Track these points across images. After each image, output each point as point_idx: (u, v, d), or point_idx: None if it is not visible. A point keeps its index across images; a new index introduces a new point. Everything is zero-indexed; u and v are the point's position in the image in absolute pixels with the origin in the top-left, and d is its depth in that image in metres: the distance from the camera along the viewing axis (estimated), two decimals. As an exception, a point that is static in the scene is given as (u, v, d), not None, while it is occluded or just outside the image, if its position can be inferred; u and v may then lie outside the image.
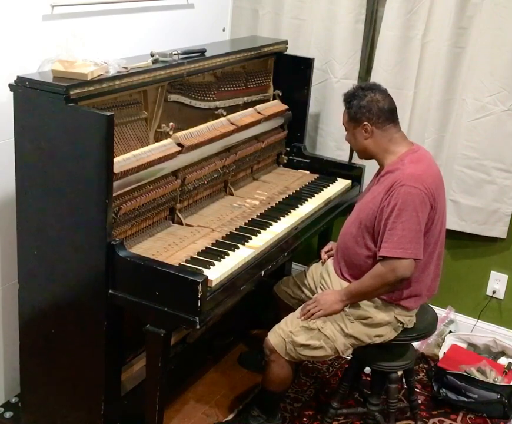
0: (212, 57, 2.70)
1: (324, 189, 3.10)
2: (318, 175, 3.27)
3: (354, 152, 3.05)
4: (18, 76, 2.07)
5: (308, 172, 3.31)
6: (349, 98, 2.53)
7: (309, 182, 3.17)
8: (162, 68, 2.40)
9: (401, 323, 2.50)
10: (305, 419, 2.85)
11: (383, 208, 2.38)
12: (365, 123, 2.47)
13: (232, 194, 2.95)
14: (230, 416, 2.82)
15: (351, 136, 2.57)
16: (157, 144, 2.45)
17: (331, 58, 3.38)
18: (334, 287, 2.57)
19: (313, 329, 2.48)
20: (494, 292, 3.36)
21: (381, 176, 2.51)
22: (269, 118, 3.13)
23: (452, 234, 3.32)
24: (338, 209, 3.04)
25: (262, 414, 2.70)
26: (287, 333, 2.50)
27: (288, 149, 3.38)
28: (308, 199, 2.96)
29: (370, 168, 2.87)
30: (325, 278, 2.65)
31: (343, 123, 2.60)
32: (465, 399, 2.96)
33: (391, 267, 2.35)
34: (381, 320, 2.47)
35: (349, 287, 2.51)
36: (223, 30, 3.44)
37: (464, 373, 2.98)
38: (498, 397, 2.92)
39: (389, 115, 2.49)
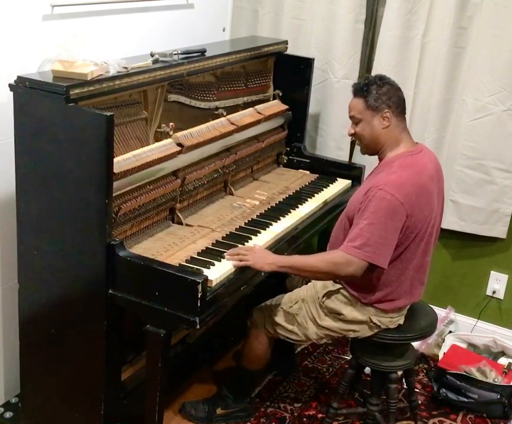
0: (212, 57, 2.70)
1: (324, 189, 3.10)
2: (318, 175, 3.27)
3: (354, 152, 3.04)
4: (18, 76, 2.08)
5: (308, 172, 3.32)
6: (366, 86, 2.44)
7: (309, 182, 3.17)
8: (162, 68, 2.40)
9: (375, 324, 2.47)
10: (305, 419, 2.85)
11: (359, 208, 2.35)
12: (387, 110, 2.41)
13: (232, 194, 2.95)
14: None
15: (366, 126, 2.44)
16: (157, 144, 2.45)
17: (331, 58, 3.38)
18: None
19: (289, 313, 2.56)
20: (494, 292, 3.36)
21: (375, 169, 2.50)
22: (269, 118, 3.14)
23: (452, 234, 3.32)
24: (338, 209, 3.02)
25: (230, 395, 2.74)
26: (269, 311, 2.60)
27: (288, 149, 3.38)
28: (308, 199, 2.96)
29: (370, 168, 2.86)
30: None
31: (353, 115, 2.48)
32: (465, 399, 2.96)
33: (347, 261, 2.30)
34: (354, 319, 2.48)
35: (292, 259, 2.41)
36: (223, 30, 3.44)
37: (464, 373, 2.98)
38: (498, 397, 2.92)
39: (404, 107, 2.49)
